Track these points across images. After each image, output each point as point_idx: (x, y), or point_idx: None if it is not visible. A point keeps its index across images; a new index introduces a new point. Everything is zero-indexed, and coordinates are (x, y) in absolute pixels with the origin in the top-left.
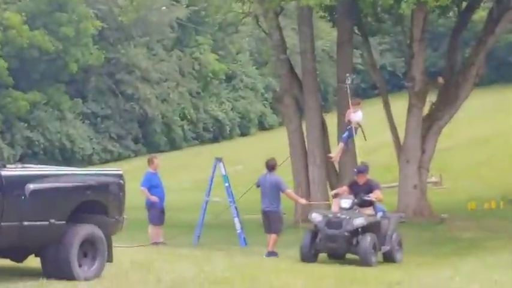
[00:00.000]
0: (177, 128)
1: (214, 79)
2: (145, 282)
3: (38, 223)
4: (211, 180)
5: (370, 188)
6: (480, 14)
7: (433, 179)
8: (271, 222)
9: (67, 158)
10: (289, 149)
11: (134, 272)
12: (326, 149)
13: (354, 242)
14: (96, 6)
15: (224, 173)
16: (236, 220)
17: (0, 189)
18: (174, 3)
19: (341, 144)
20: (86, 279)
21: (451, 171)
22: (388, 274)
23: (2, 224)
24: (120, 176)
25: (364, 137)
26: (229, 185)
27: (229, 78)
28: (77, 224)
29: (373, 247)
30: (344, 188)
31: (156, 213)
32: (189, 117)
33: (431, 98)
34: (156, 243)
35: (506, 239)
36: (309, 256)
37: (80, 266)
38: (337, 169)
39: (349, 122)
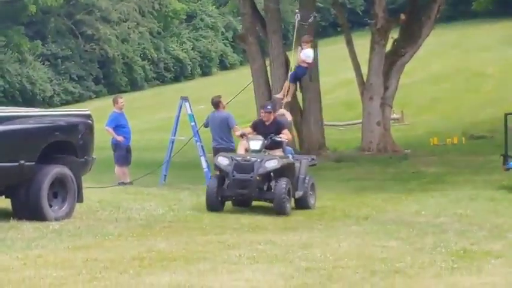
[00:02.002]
0: (138, 68)
1: (175, 19)
2: (116, 221)
3: (8, 164)
4: (177, 120)
5: (278, 127)
6: None
7: (395, 116)
8: None
9: (28, 100)
10: (253, 87)
11: (104, 212)
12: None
13: (266, 187)
14: None
15: (190, 112)
16: (202, 159)
17: None
18: None
19: (286, 83)
20: (57, 219)
21: (413, 107)
22: (355, 209)
23: None
24: (89, 117)
25: (310, 77)
26: (195, 123)
27: (189, 17)
28: (46, 165)
29: (288, 192)
30: (249, 130)
31: (122, 153)
32: (150, 57)
33: (394, 35)
34: (123, 183)
35: (468, 174)
36: (215, 204)
37: (50, 206)
38: (301, 107)
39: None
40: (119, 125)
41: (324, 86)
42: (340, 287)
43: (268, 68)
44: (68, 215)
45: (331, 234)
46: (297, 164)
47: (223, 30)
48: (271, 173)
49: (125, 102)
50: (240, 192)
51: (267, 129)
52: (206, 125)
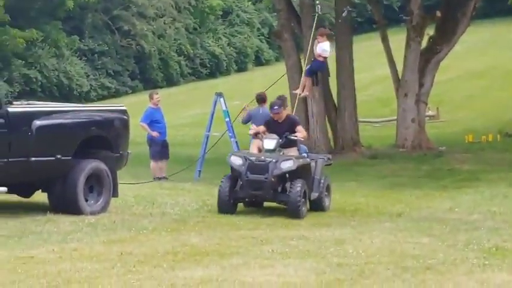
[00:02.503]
0: (174, 63)
1: (211, 14)
2: (150, 215)
3: (45, 159)
4: (212, 116)
5: (291, 124)
6: None
7: (430, 113)
8: None
9: (64, 95)
10: (288, 83)
11: (139, 206)
12: (325, 84)
13: (281, 189)
14: None
15: (225, 108)
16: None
17: (7, 125)
18: None
19: (303, 78)
20: (92, 213)
21: (448, 104)
22: (389, 206)
23: (9, 159)
24: (124, 112)
25: (328, 72)
26: (229, 119)
27: (225, 13)
28: (82, 160)
29: (304, 194)
30: (262, 128)
31: (158, 149)
32: (185, 53)
33: (429, 32)
34: (158, 178)
35: (503, 172)
36: (227, 206)
37: (86, 200)
38: (336, 103)
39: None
40: (153, 121)
41: (359, 83)
42: (371, 283)
43: (303, 64)
44: (104, 209)
45: (364, 230)
46: (312, 164)
47: (259, 26)
48: (287, 174)
49: (160, 98)
50: (254, 194)
51: (280, 128)
52: (246, 121)
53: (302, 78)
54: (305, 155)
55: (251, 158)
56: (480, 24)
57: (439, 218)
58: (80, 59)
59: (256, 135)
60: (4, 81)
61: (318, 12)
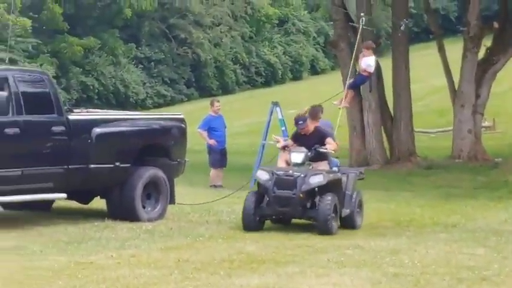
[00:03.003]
0: (229, 72)
1: (267, 23)
2: (206, 223)
3: (104, 166)
4: (268, 124)
5: (321, 137)
6: None
7: (487, 124)
8: None
9: (121, 102)
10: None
11: (195, 214)
12: (381, 94)
13: (310, 205)
14: None
15: (281, 117)
16: None
17: (67, 133)
18: None
19: (345, 91)
20: (149, 220)
21: (505, 115)
22: (444, 216)
23: (69, 166)
24: (182, 120)
25: (370, 87)
26: (285, 128)
27: (281, 22)
28: (141, 167)
29: (334, 210)
30: (290, 142)
31: (217, 157)
32: (241, 61)
33: (486, 43)
34: (214, 186)
35: None
36: (253, 223)
37: (143, 207)
38: (392, 113)
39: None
40: (211, 128)
41: (415, 93)
42: None
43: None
44: (161, 216)
45: (420, 240)
46: (343, 179)
47: (315, 35)
48: (316, 189)
49: (221, 106)
50: (281, 211)
51: (308, 141)
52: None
53: (344, 91)
54: (336, 169)
55: (278, 173)
56: None
57: (494, 229)
58: (137, 67)
59: (284, 148)
60: (62, 88)
61: (362, 25)
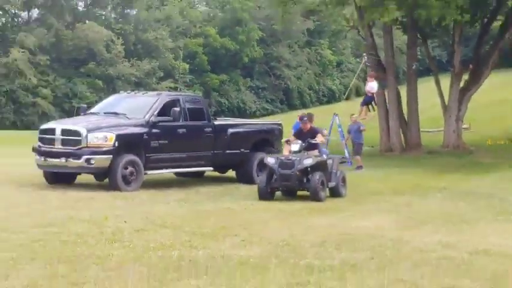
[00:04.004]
0: (306, 94)
1: (330, 65)
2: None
3: (234, 151)
4: (331, 125)
5: (313, 133)
6: (495, 25)
7: (465, 126)
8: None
9: (241, 113)
10: (376, 109)
11: None
12: (400, 108)
13: (304, 179)
14: (258, 22)
15: (338, 123)
16: (345, 151)
17: (213, 132)
18: (305, 19)
19: (359, 108)
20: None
21: (476, 121)
22: (436, 182)
23: (214, 151)
24: (280, 124)
25: (373, 106)
26: (341, 130)
27: (338, 64)
28: (255, 152)
29: (321, 183)
30: (292, 137)
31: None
32: (314, 88)
33: (465, 77)
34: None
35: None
36: (265, 194)
37: (257, 175)
38: (406, 120)
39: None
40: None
41: (420, 108)
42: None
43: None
44: None
45: (424, 197)
46: (329, 161)
47: (359, 71)
48: (308, 168)
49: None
50: (284, 184)
51: (305, 136)
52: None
53: (359, 108)
54: (325, 156)
55: (281, 158)
56: (497, 72)
57: (470, 191)
58: (250, 92)
59: (287, 142)
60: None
61: (365, 63)
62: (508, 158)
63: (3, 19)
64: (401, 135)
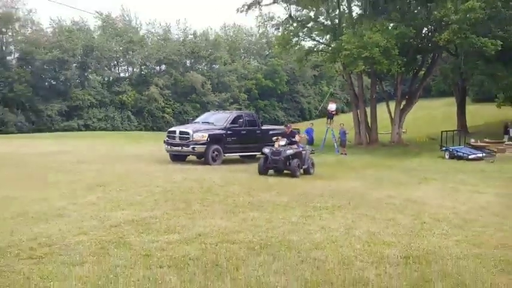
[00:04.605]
0: (312, 113)
1: (326, 94)
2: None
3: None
4: (326, 132)
5: (293, 134)
6: (421, 73)
7: (403, 130)
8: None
9: (276, 122)
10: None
11: None
12: (366, 120)
13: (287, 163)
14: (286, 71)
15: (331, 128)
16: (335, 145)
17: (261, 133)
18: (313, 69)
19: (327, 119)
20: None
21: (409, 127)
22: (386, 162)
23: (261, 143)
24: (298, 130)
25: (332, 117)
26: (333, 133)
27: (331, 94)
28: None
29: (298, 166)
30: (279, 137)
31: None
32: (317, 108)
33: (403, 102)
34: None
35: (428, 151)
36: (262, 171)
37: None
38: (370, 127)
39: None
40: (307, 131)
41: (378, 119)
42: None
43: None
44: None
45: (380, 171)
46: (303, 152)
47: (343, 104)
48: (290, 156)
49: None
50: (274, 166)
51: (288, 136)
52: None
53: (327, 120)
54: (301, 148)
55: (273, 149)
56: (421, 100)
57: (409, 168)
58: (281, 110)
59: (277, 139)
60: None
61: (330, 91)
62: (427, 149)
63: (146, 70)
64: (367, 135)
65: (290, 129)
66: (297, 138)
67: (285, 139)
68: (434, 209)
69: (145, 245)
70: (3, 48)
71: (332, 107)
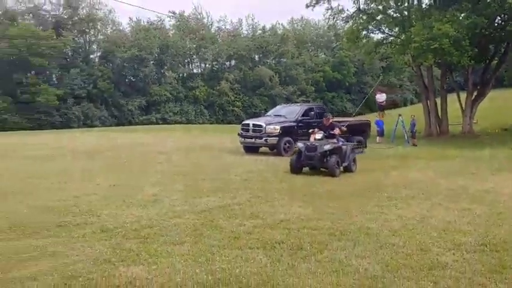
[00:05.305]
0: None
1: (394, 87)
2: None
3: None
4: (396, 124)
5: (333, 127)
6: (493, 63)
7: (474, 121)
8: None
9: (344, 114)
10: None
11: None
12: (437, 111)
13: (325, 160)
14: (354, 63)
15: (402, 120)
16: (405, 136)
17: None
18: (381, 60)
19: (379, 113)
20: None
21: (481, 119)
22: (456, 152)
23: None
24: (368, 121)
25: (384, 110)
26: (404, 125)
27: (399, 86)
28: (354, 136)
29: (336, 163)
30: (316, 130)
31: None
32: None
33: (475, 93)
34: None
35: (500, 143)
36: (296, 169)
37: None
38: (440, 118)
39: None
40: (378, 124)
41: (448, 110)
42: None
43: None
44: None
45: (447, 164)
46: (344, 147)
47: (413, 93)
48: (327, 152)
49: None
50: (309, 163)
51: (326, 128)
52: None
53: (378, 113)
54: (340, 143)
55: (307, 144)
56: (493, 90)
57: (476, 157)
58: (348, 102)
59: (313, 132)
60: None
61: (380, 80)
62: (499, 140)
63: (217, 66)
64: (437, 126)
65: (330, 121)
66: (336, 131)
67: (322, 132)
68: (509, 200)
69: (234, 228)
70: (87, 47)
71: (380, 97)
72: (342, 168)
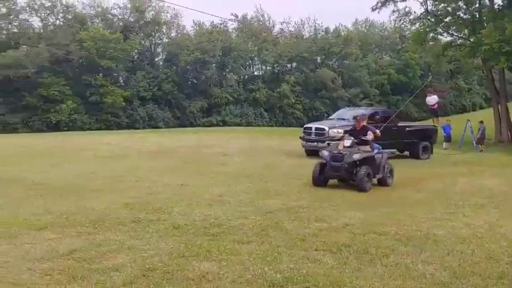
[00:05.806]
0: (448, 108)
1: (463, 90)
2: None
3: (409, 141)
4: (465, 129)
5: (366, 131)
6: None
7: None
8: None
9: (408, 118)
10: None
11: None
12: (508, 116)
13: (354, 171)
14: (420, 65)
15: (470, 126)
16: (474, 142)
17: (397, 129)
18: (449, 63)
19: (433, 118)
20: (427, 158)
21: None
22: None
23: (397, 140)
24: (435, 127)
25: (437, 114)
26: (472, 130)
27: (468, 89)
28: (421, 141)
29: (367, 176)
30: (346, 135)
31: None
32: (453, 103)
33: None
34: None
35: None
36: (318, 182)
37: (422, 154)
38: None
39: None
40: (445, 128)
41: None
42: None
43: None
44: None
45: None
46: (379, 156)
47: (481, 94)
48: (357, 162)
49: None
50: (335, 175)
51: (357, 133)
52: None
53: (433, 118)
54: (376, 150)
55: (333, 152)
56: None
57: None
58: (413, 105)
59: (342, 138)
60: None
61: (430, 80)
62: None
63: (278, 68)
64: (508, 132)
65: (362, 124)
66: (369, 136)
67: (351, 138)
68: None
69: (299, 230)
70: (153, 50)
71: (430, 100)
72: (375, 180)
